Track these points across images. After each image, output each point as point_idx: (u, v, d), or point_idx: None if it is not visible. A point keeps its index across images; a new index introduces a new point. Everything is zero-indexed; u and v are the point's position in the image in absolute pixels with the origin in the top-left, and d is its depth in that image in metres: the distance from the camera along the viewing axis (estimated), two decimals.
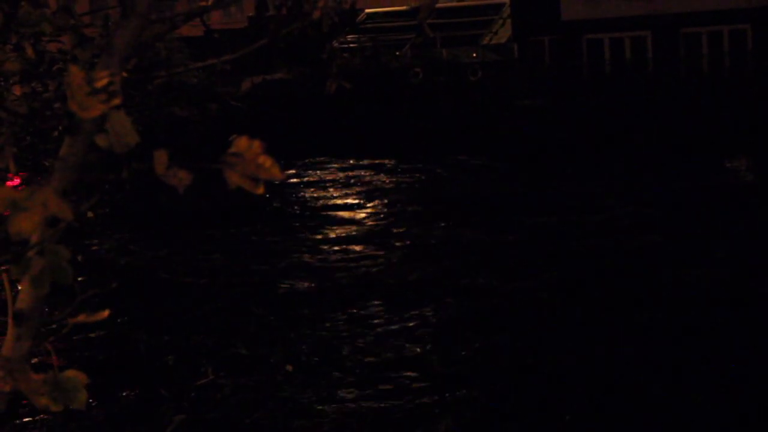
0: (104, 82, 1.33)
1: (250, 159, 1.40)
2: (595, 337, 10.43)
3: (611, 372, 9.38)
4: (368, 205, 19.80)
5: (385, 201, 19.97)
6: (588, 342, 10.29)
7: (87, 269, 13.31)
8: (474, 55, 29.30)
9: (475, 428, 8.36)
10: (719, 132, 23.74)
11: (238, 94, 28.79)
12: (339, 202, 20.45)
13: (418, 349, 10.36)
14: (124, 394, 9.34)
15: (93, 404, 8.76)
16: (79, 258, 12.53)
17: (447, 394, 9.03)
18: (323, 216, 18.76)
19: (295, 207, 20.07)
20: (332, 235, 16.81)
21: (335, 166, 25.80)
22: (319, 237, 16.73)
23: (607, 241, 14.84)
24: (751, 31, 26.39)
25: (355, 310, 11.92)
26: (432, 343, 10.54)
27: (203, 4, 2.23)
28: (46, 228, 1.40)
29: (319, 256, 15.09)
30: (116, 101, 1.34)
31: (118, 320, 11.25)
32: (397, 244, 15.75)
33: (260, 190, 1.43)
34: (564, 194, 19.51)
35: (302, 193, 21.80)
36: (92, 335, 10.69)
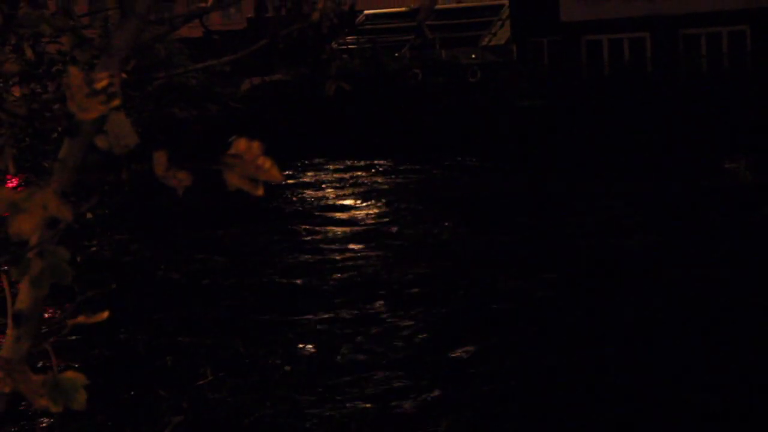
0: (104, 83, 1.33)
1: (250, 160, 1.40)
2: (596, 338, 10.44)
3: (612, 372, 9.38)
4: (367, 205, 19.81)
5: (384, 201, 19.98)
6: (588, 342, 10.29)
7: (86, 270, 13.31)
8: (473, 56, 29.28)
9: (476, 428, 8.36)
10: (718, 132, 23.75)
11: (238, 96, 28.81)
12: (338, 202, 20.46)
13: (418, 349, 10.37)
14: (123, 394, 9.34)
15: (92, 405, 8.77)
16: (79, 259, 12.53)
17: (448, 394, 9.03)
18: (322, 216, 18.77)
19: (294, 207, 20.07)
20: (331, 236, 16.82)
21: (334, 167, 25.80)
22: (318, 237, 16.74)
23: (606, 241, 14.85)
24: (749, 32, 26.40)
25: (354, 311, 11.93)
26: (431, 343, 10.54)
27: (202, 5, 2.24)
28: (46, 229, 1.41)
29: (318, 257, 15.09)
30: (116, 102, 1.35)
31: (118, 321, 11.25)
32: (397, 244, 15.76)
33: (260, 192, 1.43)
34: (563, 195, 19.52)
35: (301, 194, 21.80)
36: (92, 336, 10.69)
